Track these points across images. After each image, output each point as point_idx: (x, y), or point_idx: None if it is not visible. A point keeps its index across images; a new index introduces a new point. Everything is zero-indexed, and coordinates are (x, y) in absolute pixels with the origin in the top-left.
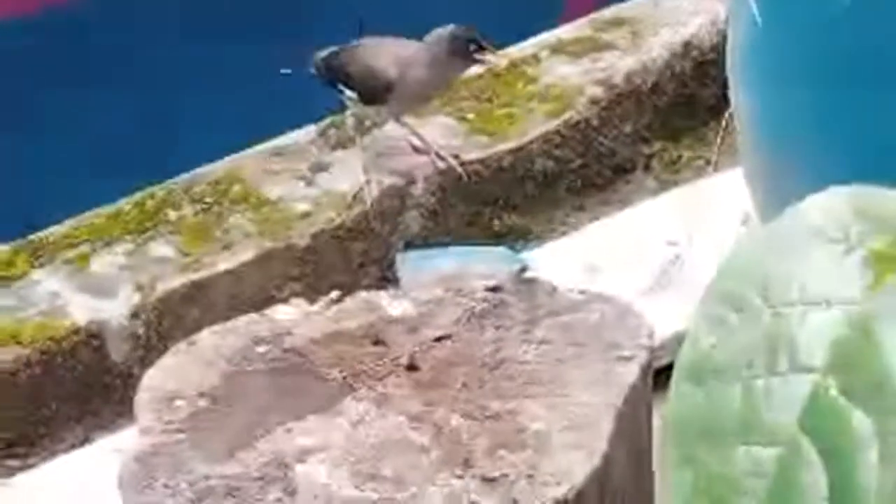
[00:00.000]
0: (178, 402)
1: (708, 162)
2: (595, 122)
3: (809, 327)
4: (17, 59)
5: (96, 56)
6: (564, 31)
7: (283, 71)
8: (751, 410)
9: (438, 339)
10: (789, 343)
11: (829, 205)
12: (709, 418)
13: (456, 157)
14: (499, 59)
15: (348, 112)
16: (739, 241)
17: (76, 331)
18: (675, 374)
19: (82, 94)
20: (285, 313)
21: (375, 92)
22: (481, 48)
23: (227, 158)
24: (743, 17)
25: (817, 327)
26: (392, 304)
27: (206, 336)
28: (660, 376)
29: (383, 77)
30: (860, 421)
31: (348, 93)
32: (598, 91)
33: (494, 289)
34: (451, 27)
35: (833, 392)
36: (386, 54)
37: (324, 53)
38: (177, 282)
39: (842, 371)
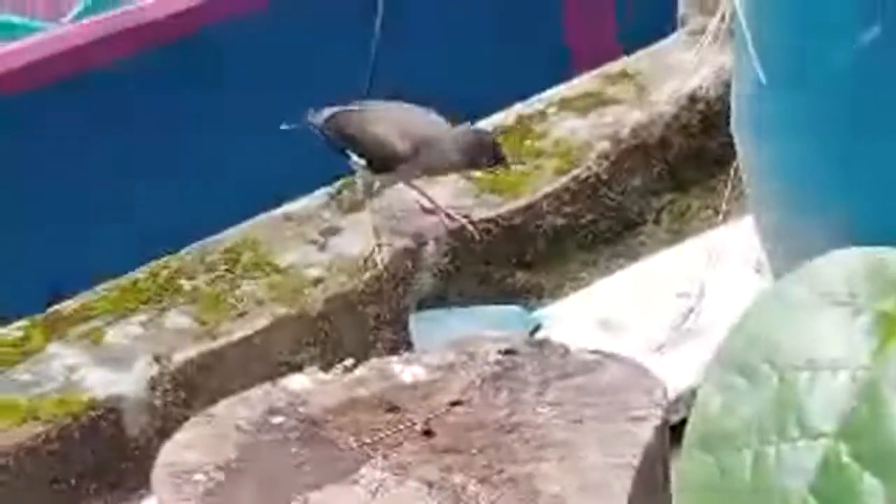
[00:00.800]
0: (196, 476)
1: (717, 212)
2: (604, 177)
3: (818, 393)
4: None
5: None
6: (570, 87)
7: (283, 126)
8: (762, 477)
9: (453, 405)
10: (798, 409)
11: (836, 266)
12: (720, 485)
13: (466, 216)
14: (505, 171)
15: (357, 175)
16: (748, 305)
17: (94, 405)
18: (686, 440)
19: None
20: (300, 382)
21: (385, 162)
22: (498, 161)
23: (238, 226)
24: (746, 70)
25: (826, 392)
26: (405, 371)
27: (222, 408)
28: (676, 431)
29: (392, 149)
30: (871, 486)
31: (355, 157)
32: (605, 146)
33: (507, 352)
34: (479, 131)
35: (844, 458)
36: (394, 124)
37: (326, 114)
38: (193, 352)
39: (852, 436)
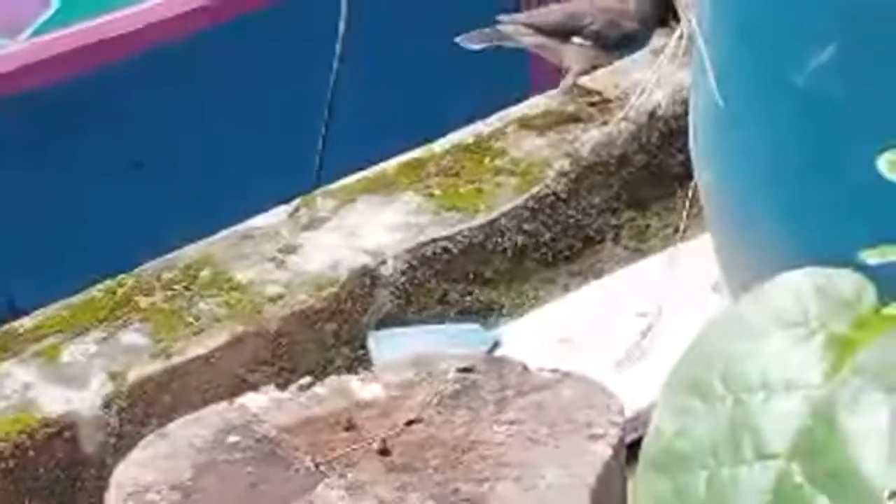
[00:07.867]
0: (150, 496)
1: (676, 230)
2: (563, 195)
3: (772, 414)
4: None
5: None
6: (530, 105)
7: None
8: (717, 498)
9: (410, 423)
10: (752, 430)
11: (789, 287)
12: None
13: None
14: None
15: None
16: (703, 326)
17: (48, 423)
18: (640, 462)
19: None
20: (256, 401)
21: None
22: None
23: (196, 243)
24: (703, 89)
25: (779, 414)
26: (363, 389)
27: (177, 427)
28: (634, 449)
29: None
30: None
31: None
32: (565, 164)
33: (465, 370)
34: None
35: (798, 479)
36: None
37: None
38: (149, 369)
39: (806, 457)
